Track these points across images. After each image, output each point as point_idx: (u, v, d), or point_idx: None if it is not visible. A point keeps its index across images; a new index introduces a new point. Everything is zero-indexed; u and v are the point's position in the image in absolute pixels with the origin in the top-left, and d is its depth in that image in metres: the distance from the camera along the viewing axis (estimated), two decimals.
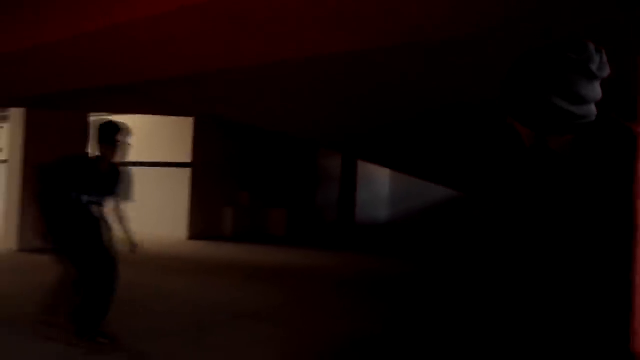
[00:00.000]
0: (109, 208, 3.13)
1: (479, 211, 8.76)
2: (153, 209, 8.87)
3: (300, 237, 9.08)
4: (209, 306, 3.94)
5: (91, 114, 7.43)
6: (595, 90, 1.11)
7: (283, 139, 9.24)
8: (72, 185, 3.03)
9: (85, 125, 6.82)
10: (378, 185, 12.94)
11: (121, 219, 3.19)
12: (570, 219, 1.15)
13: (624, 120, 1.13)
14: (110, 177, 3.11)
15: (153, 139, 9.14)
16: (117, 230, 3.14)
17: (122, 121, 3.18)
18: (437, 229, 10.85)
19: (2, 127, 10.28)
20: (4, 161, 7.52)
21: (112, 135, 3.08)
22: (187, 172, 8.67)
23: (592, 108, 1.13)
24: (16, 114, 6.90)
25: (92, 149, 3.16)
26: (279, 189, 10.00)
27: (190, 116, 8.48)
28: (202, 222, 8.79)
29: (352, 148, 8.57)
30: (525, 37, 2.30)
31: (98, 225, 3.09)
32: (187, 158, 8.66)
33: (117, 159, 3.13)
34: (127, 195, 3.20)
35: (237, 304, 4.02)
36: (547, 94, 1.12)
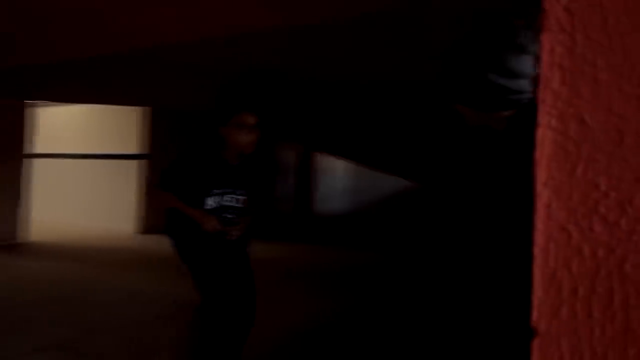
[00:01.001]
0: (244, 216, 2.65)
1: (432, 200, 8.89)
2: (99, 202, 8.58)
3: (256, 229, 9.00)
4: (154, 300, 3.82)
5: (30, 103, 7.08)
6: (526, 65, 1.16)
7: None
8: (194, 189, 2.54)
9: (21, 116, 6.49)
10: (338, 178, 12.94)
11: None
12: (510, 197, 1.18)
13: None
14: (244, 172, 2.67)
15: (99, 130, 8.83)
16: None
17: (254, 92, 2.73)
18: (396, 219, 10.93)
19: None
20: None
21: (235, 112, 2.55)
22: (136, 164, 8.42)
23: (528, 83, 1.18)
24: None
25: (207, 135, 2.68)
26: None
27: (135, 105, 8.23)
28: (153, 216, 8.58)
29: (306, 139, 8.51)
30: (464, 12, 2.24)
31: (229, 241, 2.59)
32: (135, 149, 8.42)
33: (247, 145, 2.63)
34: (269, 195, 2.79)
35: (186, 298, 3.81)
36: (482, 71, 1.17)
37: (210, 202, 2.62)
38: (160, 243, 7.70)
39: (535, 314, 0.62)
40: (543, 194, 0.62)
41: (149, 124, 8.28)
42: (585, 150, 0.60)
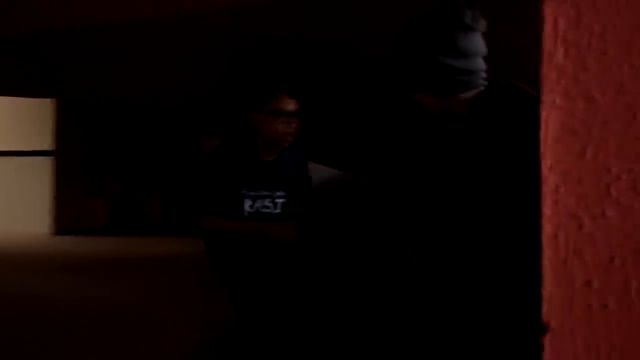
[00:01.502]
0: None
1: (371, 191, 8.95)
2: (9, 203, 7.95)
3: (180, 226, 8.70)
4: (71, 307, 3.56)
5: None
6: (475, 43, 1.17)
7: (162, 123, 8.78)
8: (226, 195, 2.06)
9: None
10: None
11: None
12: (478, 180, 1.18)
13: (517, 83, 1.20)
14: (282, 169, 2.15)
15: (6, 125, 8.15)
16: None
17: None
18: (324, 210, 10.93)
19: None
20: None
21: (269, 95, 2.02)
22: (48, 161, 7.85)
23: (479, 62, 1.19)
24: None
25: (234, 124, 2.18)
26: (158, 175, 9.47)
27: (41, 97, 7.64)
28: (69, 216, 8.07)
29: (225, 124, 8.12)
30: None
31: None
32: (47, 146, 7.84)
33: (285, 137, 2.09)
34: (306, 198, 2.20)
35: (104, 302, 3.61)
36: (431, 53, 1.16)
37: (247, 208, 2.10)
38: (77, 245, 7.29)
39: (545, 309, 0.57)
40: (549, 179, 0.57)
41: (55, 118, 7.76)
42: (595, 130, 0.56)
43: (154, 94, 5.68)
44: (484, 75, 1.19)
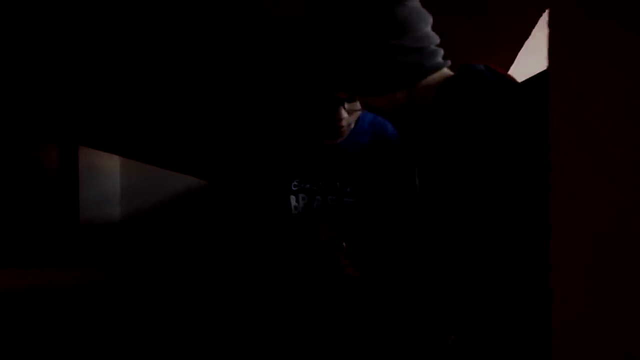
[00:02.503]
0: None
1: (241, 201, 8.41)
2: None
3: (7, 251, 7.51)
4: None
5: None
6: (417, 10, 0.91)
7: None
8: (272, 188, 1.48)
9: None
10: (106, 178, 11.65)
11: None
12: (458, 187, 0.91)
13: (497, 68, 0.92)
14: (352, 156, 1.48)
15: None
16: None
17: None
18: (182, 225, 10.23)
19: None
20: None
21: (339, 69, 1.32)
22: None
23: (430, 34, 0.92)
24: None
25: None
26: None
27: None
28: None
29: (66, 129, 7.00)
30: None
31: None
32: None
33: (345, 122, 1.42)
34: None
35: None
36: (373, 38, 0.88)
37: (295, 204, 1.53)
38: None
39: (555, 310, 0.50)
40: (556, 163, 0.51)
41: None
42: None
43: None
44: (441, 51, 0.94)
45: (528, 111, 0.81)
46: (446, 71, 0.94)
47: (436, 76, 0.92)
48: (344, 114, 1.35)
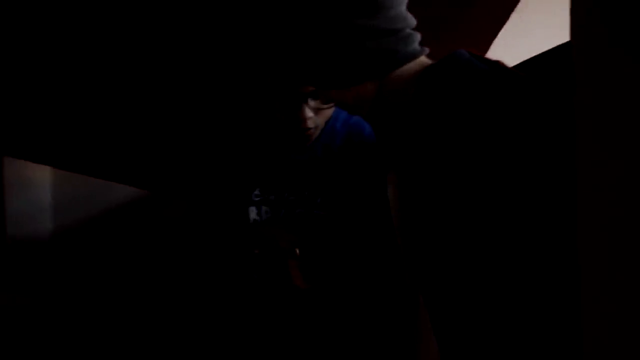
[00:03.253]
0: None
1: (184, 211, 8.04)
2: None
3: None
4: None
5: None
6: None
7: None
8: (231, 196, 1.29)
9: None
10: (36, 190, 10.62)
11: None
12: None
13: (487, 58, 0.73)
14: (322, 165, 1.27)
15: None
16: None
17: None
18: (120, 239, 9.54)
19: None
20: None
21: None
22: None
23: (405, 14, 0.76)
24: None
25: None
26: None
27: None
28: None
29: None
30: None
31: None
32: None
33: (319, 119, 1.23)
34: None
35: None
36: (342, 19, 0.71)
37: (254, 216, 1.32)
38: None
39: (584, 314, 0.48)
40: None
41: None
42: None
43: None
44: (418, 36, 0.77)
45: (539, 108, 0.63)
46: (424, 59, 0.78)
47: (412, 65, 0.76)
48: (309, 113, 1.14)
